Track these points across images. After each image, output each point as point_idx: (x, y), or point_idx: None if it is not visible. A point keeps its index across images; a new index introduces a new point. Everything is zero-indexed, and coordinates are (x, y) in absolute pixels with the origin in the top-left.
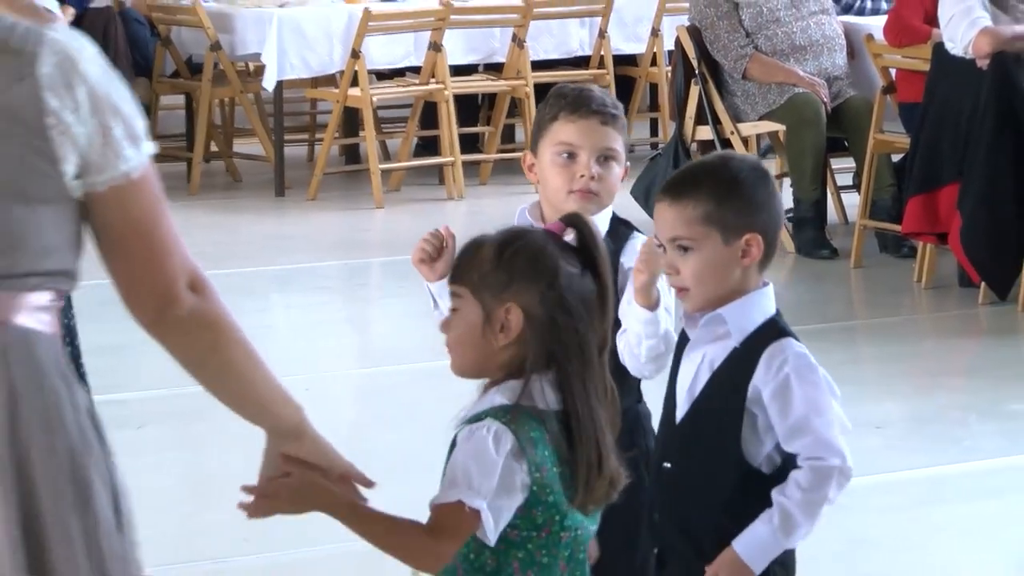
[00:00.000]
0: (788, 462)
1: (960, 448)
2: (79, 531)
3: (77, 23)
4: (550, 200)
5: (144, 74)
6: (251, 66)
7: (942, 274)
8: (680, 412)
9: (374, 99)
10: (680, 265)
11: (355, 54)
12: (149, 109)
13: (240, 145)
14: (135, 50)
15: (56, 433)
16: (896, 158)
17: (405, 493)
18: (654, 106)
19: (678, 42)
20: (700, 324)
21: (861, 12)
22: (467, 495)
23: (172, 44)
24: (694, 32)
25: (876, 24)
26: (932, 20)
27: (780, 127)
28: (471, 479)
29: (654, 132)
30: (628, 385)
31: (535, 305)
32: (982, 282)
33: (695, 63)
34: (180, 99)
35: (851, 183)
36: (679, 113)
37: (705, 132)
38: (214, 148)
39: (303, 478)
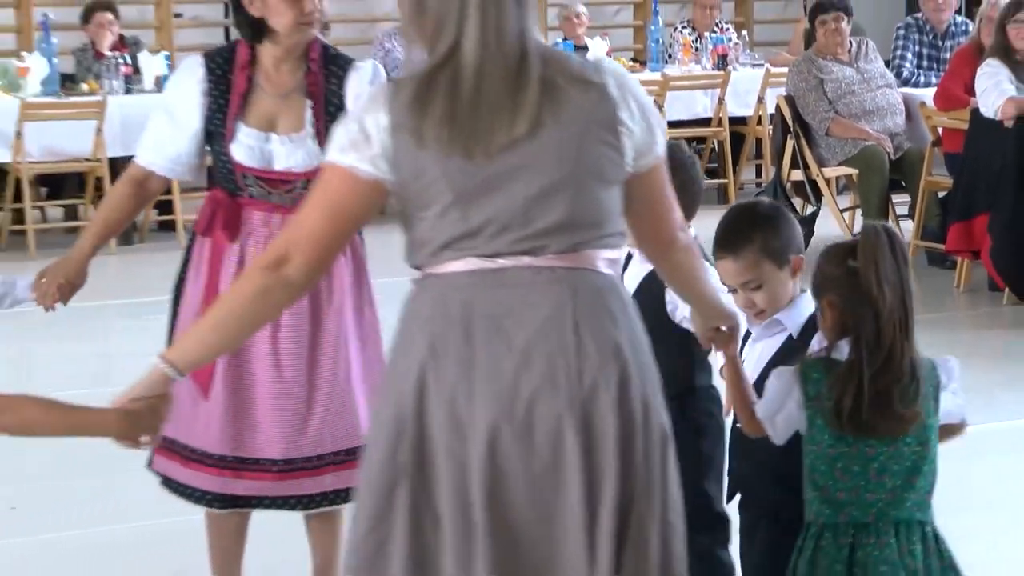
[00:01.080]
0: None
1: (989, 412)
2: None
3: None
4: None
5: None
6: None
7: (976, 281)
8: None
9: None
10: (755, 299)
11: None
12: None
13: None
14: None
15: (639, 350)
16: (941, 194)
17: None
18: (759, 155)
19: (778, 107)
20: (762, 325)
21: (916, 84)
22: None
23: None
24: (789, 100)
25: (927, 94)
26: (970, 91)
27: (854, 171)
28: (764, 394)
29: (758, 174)
30: (708, 365)
31: None
32: (1006, 287)
33: (790, 123)
34: None
35: (907, 213)
36: (778, 160)
37: (797, 175)
38: None
39: (722, 338)
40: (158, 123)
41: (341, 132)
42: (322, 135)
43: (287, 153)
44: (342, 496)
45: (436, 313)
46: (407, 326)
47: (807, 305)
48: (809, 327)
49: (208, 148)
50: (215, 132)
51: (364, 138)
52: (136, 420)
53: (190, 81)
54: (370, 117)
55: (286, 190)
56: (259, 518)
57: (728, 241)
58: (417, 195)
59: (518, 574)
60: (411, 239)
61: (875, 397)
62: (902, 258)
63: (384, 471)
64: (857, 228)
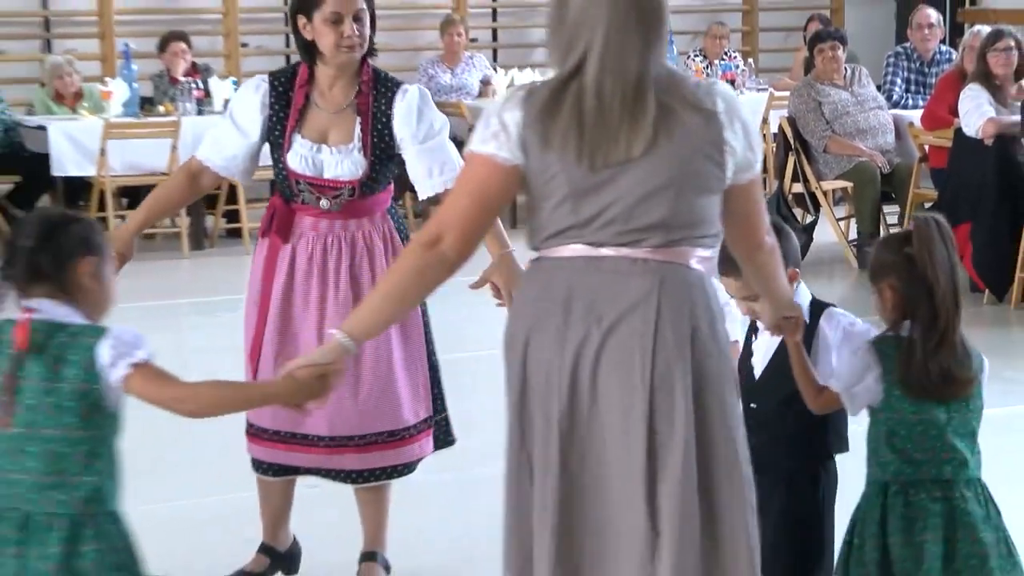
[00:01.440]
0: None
1: None
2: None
3: None
4: None
5: None
6: None
7: None
8: (758, 371)
9: None
10: (754, 307)
11: None
12: None
13: None
14: None
15: (718, 342)
16: (928, 205)
17: None
18: (763, 169)
19: (780, 127)
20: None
21: (904, 106)
22: (832, 380)
23: None
24: (791, 121)
25: (915, 115)
26: (954, 112)
27: (849, 184)
28: (839, 369)
29: (763, 187)
30: None
31: None
32: (986, 289)
33: (792, 141)
34: None
35: (897, 222)
36: (780, 175)
37: (797, 188)
38: None
39: (790, 325)
40: (221, 127)
41: (481, 126)
42: (368, 148)
43: (336, 163)
44: (387, 472)
45: (543, 292)
46: (520, 299)
47: (804, 295)
48: (812, 313)
49: (270, 157)
50: (275, 143)
51: (503, 129)
52: (302, 386)
53: (254, 96)
54: (508, 113)
55: (334, 196)
56: (315, 494)
57: (731, 261)
58: (539, 187)
59: (576, 528)
60: (532, 225)
61: (937, 367)
62: (952, 246)
63: (508, 431)
64: (852, 236)
